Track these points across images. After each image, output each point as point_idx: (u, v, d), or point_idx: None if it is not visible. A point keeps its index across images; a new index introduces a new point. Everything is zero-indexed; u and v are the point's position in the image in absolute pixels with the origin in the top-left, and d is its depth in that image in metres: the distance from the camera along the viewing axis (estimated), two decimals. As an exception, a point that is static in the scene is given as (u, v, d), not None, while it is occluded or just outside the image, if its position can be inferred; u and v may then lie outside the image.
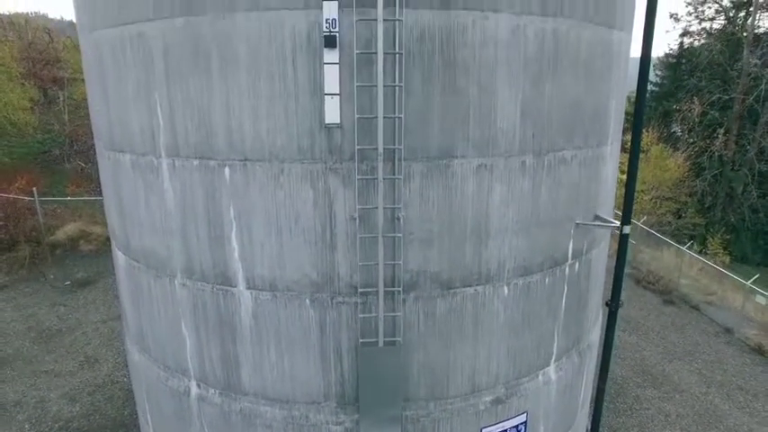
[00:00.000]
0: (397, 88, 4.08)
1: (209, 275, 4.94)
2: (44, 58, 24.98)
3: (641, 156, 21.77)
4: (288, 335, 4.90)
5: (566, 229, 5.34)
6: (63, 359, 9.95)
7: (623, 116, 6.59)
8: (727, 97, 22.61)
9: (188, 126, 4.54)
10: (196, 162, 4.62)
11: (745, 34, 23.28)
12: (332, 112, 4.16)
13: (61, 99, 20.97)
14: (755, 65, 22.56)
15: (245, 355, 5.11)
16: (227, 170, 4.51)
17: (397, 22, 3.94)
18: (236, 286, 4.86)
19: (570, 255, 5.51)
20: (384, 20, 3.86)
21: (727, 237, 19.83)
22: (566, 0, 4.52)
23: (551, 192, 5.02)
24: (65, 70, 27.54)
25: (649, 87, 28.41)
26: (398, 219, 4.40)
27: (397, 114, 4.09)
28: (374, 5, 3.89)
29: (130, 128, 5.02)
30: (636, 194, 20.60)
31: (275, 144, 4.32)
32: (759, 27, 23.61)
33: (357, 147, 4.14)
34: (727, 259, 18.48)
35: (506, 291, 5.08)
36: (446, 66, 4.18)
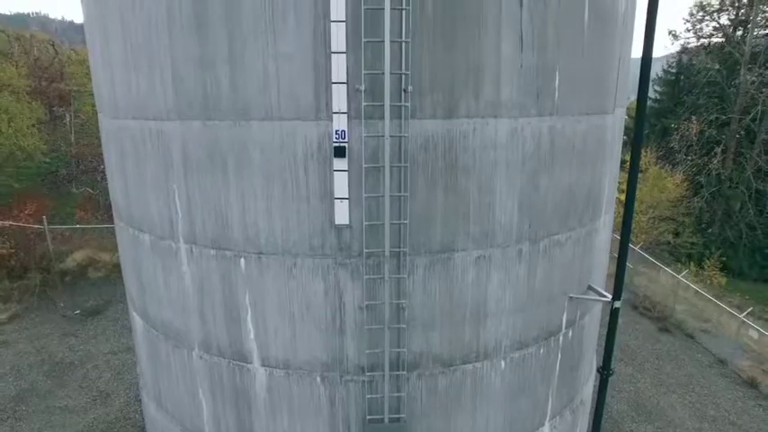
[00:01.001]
0: (400, 197, 4.39)
1: (226, 352, 5.26)
2: (50, 75, 25.25)
3: (639, 175, 22.11)
4: (300, 408, 5.21)
5: (560, 303, 5.64)
6: (76, 394, 10.26)
7: (616, 183, 6.90)
8: (724, 117, 22.92)
9: (205, 219, 4.85)
10: (213, 252, 4.93)
11: (741, 54, 23.53)
12: (341, 215, 4.47)
13: (68, 120, 21.27)
14: (753, 82, 22.85)
15: (259, 424, 5.43)
16: (242, 261, 4.83)
17: (402, 138, 4.24)
18: (251, 363, 5.18)
19: (564, 324, 5.82)
20: (390, 136, 4.16)
21: (723, 259, 20.08)
22: (561, 99, 4.82)
23: (546, 273, 5.33)
24: (70, 85, 27.85)
25: (648, 103, 28.67)
26: (403, 309, 4.72)
27: (402, 220, 4.40)
28: (381, 117, 4.20)
29: (149, 211, 5.34)
30: (634, 215, 20.91)
31: (288, 240, 4.63)
32: (756, 46, 23.87)
33: (365, 249, 4.45)
34: (724, 281, 18.78)
35: (503, 365, 5.40)
36: (448, 169, 4.49)
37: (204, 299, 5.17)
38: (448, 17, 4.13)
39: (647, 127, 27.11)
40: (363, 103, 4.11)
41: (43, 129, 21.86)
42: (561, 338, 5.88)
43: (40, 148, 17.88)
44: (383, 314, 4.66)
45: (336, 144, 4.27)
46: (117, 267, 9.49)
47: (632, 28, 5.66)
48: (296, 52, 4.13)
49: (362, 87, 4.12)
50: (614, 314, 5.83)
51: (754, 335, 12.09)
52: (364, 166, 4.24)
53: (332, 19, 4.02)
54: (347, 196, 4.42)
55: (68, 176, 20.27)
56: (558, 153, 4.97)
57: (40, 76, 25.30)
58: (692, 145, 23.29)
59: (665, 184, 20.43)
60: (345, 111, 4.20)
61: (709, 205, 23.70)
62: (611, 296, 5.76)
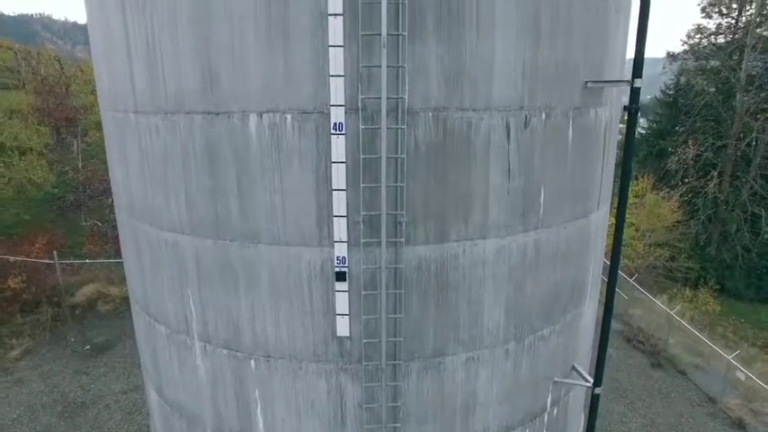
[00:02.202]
0: (396, 317, 4.82)
1: (236, 437, 5.70)
2: (57, 98, 25.75)
3: (636, 201, 22.53)
4: (303, 491, 5.65)
5: (544, 387, 6.07)
6: (88, 436, 10.76)
7: (601, 267, 7.31)
8: (720, 143, 23.32)
9: (218, 323, 5.29)
10: (225, 351, 5.38)
11: (737, 80, 23.90)
12: (342, 328, 4.91)
13: (75, 146, 21.78)
14: (747, 110, 23.24)
15: (265, 503, 5.87)
16: (252, 362, 5.27)
17: (397, 268, 4.68)
18: (259, 449, 5.62)
19: (549, 404, 6.25)
20: (386, 267, 4.59)
21: (720, 281, 20.46)
22: (546, 214, 5.24)
23: (531, 364, 5.75)
24: (76, 106, 28.37)
25: (646, 125, 29.04)
26: (399, 408, 5.15)
27: (397, 338, 4.84)
28: (378, 245, 4.63)
29: (165, 307, 5.78)
30: (630, 241, 21.33)
31: (294, 347, 5.07)
32: (754, 68, 24.23)
33: (364, 362, 4.89)
34: (718, 308, 19.17)
35: (492, 448, 5.83)
36: (440, 287, 4.93)
37: (217, 390, 5.62)
38: (440, 157, 4.56)
39: (645, 149, 27.52)
40: (362, 240, 4.54)
41: (50, 154, 22.36)
42: (546, 417, 6.30)
43: (49, 179, 18.38)
44: (380, 414, 5.09)
45: (338, 269, 4.71)
46: (125, 301, 9.93)
47: (615, 137, 6.07)
48: (300, 189, 4.56)
49: (361, 220, 4.55)
50: (595, 400, 6.24)
51: (741, 376, 12.49)
52: (363, 292, 4.68)
53: (332, 160, 4.45)
54: (347, 313, 4.85)
55: (76, 202, 20.76)
56: (542, 259, 5.39)
57: (47, 97, 25.78)
58: (688, 168, 23.69)
59: (661, 211, 20.83)
60: (345, 240, 4.64)
61: (705, 227, 24.09)
62: (592, 381, 6.17)
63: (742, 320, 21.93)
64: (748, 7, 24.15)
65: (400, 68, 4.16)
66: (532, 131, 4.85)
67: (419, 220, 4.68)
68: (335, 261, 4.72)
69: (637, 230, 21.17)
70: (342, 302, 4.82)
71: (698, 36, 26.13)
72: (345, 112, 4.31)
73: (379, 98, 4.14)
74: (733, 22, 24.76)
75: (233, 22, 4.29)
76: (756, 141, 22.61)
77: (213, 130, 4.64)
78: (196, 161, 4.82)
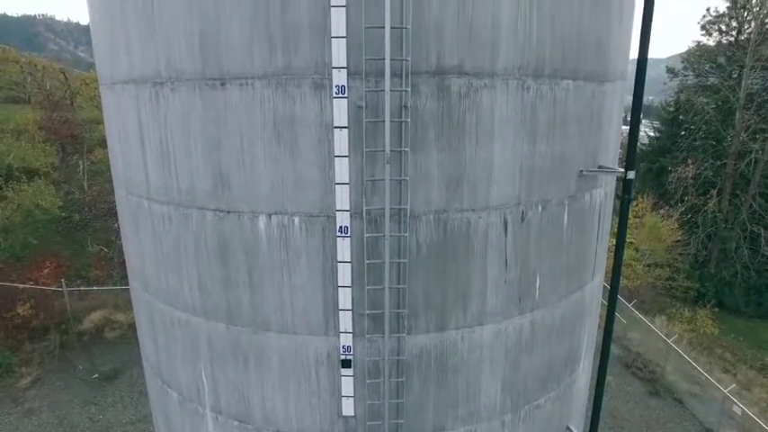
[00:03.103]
0: (398, 402, 5.07)
1: (244, 504, 5.95)
2: (63, 114, 26.05)
3: (636, 221, 22.75)
4: None
5: (542, 451, 6.31)
6: (97, 470, 11.04)
7: (596, 330, 7.54)
8: (719, 163, 23.54)
9: (229, 397, 5.55)
10: (236, 423, 5.63)
11: (737, 99, 24.09)
12: (348, 408, 5.16)
13: (81, 167, 22.10)
14: (747, 128, 23.44)
15: None
16: (261, 437, 5.52)
17: (399, 360, 4.92)
18: None
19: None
20: (389, 357, 4.84)
21: (716, 303, 20.67)
22: (542, 296, 5.48)
23: (527, 430, 6.00)
24: (82, 120, 28.70)
25: (645, 141, 29.22)
26: (401, 483, 5.40)
27: (399, 419, 5.09)
28: (382, 336, 4.88)
29: (178, 375, 6.03)
30: (630, 261, 21.53)
31: (302, 426, 5.32)
32: (753, 85, 24.42)
33: (368, 444, 5.15)
34: (716, 331, 19.39)
35: None
36: (439, 371, 5.17)
37: (227, 459, 5.87)
38: (440, 255, 4.80)
39: (645, 166, 27.71)
40: (367, 334, 4.79)
41: (55, 172, 22.66)
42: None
43: (56, 203, 18.70)
44: (384, 489, 5.34)
45: (343, 357, 4.96)
46: (131, 327, 10.16)
47: (610, 211, 6.30)
48: (307, 284, 4.81)
49: (365, 314, 4.79)
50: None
51: (738, 410, 12.71)
52: (367, 381, 4.93)
53: (338, 260, 4.70)
54: (352, 395, 5.10)
55: (82, 222, 21.06)
56: (538, 337, 5.64)
57: (52, 114, 26.07)
58: (687, 186, 23.93)
59: (660, 233, 21.06)
60: (350, 331, 4.88)
61: (705, 245, 24.31)
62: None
63: (741, 339, 22.10)
64: (747, 26, 24.31)
65: (403, 181, 4.40)
66: (528, 224, 5.09)
67: (420, 312, 4.93)
68: (341, 350, 4.97)
69: (636, 251, 21.40)
70: (347, 386, 5.07)
71: (698, 53, 26.34)
72: (351, 217, 4.56)
73: (383, 208, 4.39)
74: (733, 40, 24.93)
75: (242, 132, 4.53)
76: (755, 161, 22.82)
77: (224, 226, 4.89)
78: (208, 252, 5.07)
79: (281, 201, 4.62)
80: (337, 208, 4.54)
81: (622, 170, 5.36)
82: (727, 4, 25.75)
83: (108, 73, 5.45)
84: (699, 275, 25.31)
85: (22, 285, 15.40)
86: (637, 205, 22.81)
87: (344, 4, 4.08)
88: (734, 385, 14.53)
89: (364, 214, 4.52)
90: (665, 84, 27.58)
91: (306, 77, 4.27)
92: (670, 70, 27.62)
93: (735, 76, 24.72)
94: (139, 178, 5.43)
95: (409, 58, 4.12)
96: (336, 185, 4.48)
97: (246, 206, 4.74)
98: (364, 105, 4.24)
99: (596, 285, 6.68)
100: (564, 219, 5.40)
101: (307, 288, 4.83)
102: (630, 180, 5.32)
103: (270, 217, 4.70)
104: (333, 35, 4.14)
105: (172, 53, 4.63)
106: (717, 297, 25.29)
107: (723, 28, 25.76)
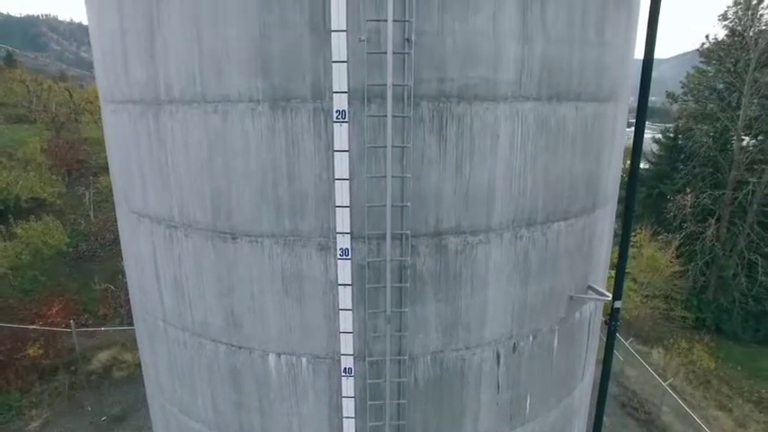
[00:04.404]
0: None
1: None
2: (69, 139, 26.43)
3: (635, 251, 23.03)
4: None
5: None
6: None
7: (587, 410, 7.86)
8: (717, 194, 23.84)
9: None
10: None
11: (735, 129, 24.37)
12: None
13: (87, 197, 22.49)
14: (745, 157, 23.74)
15: None
16: None
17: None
18: None
19: None
20: (390, 484, 5.17)
21: (715, 328, 20.92)
22: (532, 412, 5.80)
23: None
24: (87, 142, 29.10)
25: (645, 166, 29.46)
26: None
27: None
28: (382, 457, 5.21)
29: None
30: (628, 292, 21.81)
31: None
32: (750, 117, 24.69)
33: None
34: (712, 365, 19.69)
35: None
36: (437, 489, 5.50)
37: None
38: (437, 389, 5.12)
39: (644, 191, 27.99)
40: (368, 466, 5.12)
41: (59, 200, 23.05)
42: None
43: (64, 240, 19.11)
44: None
45: (346, 480, 5.28)
46: (138, 367, 10.50)
47: (599, 322, 6.60)
48: (314, 414, 5.15)
49: (367, 442, 5.12)
50: None
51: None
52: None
53: (343, 395, 5.03)
54: None
55: (88, 252, 21.44)
56: (530, 446, 5.95)
57: (58, 140, 26.48)
58: (686, 216, 24.24)
59: (658, 264, 21.37)
60: (354, 456, 5.21)
61: (703, 272, 24.60)
62: None
63: (739, 368, 22.36)
64: (745, 54, 24.55)
65: (402, 335, 4.73)
66: (520, 353, 5.41)
67: (419, 437, 5.26)
68: (345, 473, 5.30)
69: (635, 281, 21.70)
70: (350, 506, 5.40)
71: (697, 80, 26.61)
72: (354, 360, 4.89)
73: (384, 353, 4.72)
74: (731, 67, 25.17)
75: (253, 281, 4.86)
76: (753, 192, 23.11)
77: (236, 359, 5.22)
78: (221, 377, 5.40)
79: (289, 343, 4.95)
80: (342, 352, 4.87)
81: (609, 296, 5.67)
82: (726, 32, 26.02)
83: (125, 202, 5.78)
84: (697, 302, 25.60)
85: (32, 326, 15.77)
86: (635, 235, 23.13)
87: (347, 176, 4.40)
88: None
89: (366, 358, 4.85)
90: (663, 104, 27.78)
91: (312, 239, 4.60)
92: (670, 95, 27.90)
93: (734, 104, 24.97)
94: (155, 302, 5.76)
95: (409, 232, 4.45)
96: (341, 334, 4.81)
97: (257, 345, 5.07)
98: (366, 266, 4.57)
99: (585, 384, 7.00)
100: (554, 343, 5.71)
101: (314, 417, 5.16)
102: (617, 308, 5.63)
103: (279, 356, 5.03)
104: (337, 204, 4.46)
105: (185, 204, 4.96)
106: (715, 323, 25.60)
107: (721, 54, 25.99)
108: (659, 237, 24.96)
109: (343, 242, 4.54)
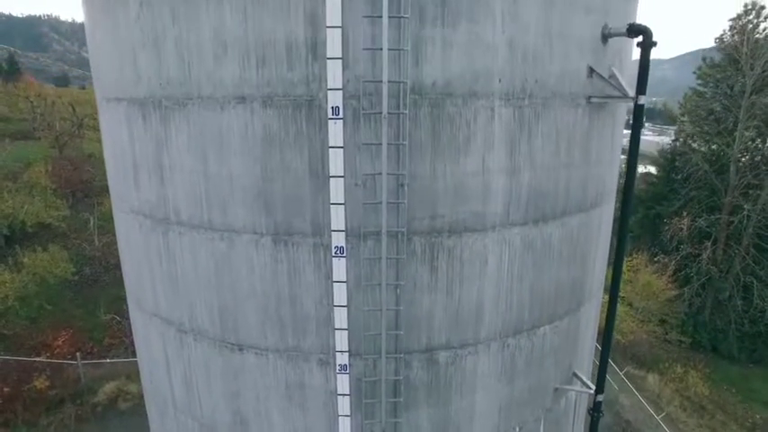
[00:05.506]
0: None
1: None
2: (72, 160, 26.78)
3: (631, 276, 23.31)
4: None
5: None
6: None
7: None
8: (713, 218, 24.12)
9: None
10: None
11: (731, 154, 24.66)
12: None
13: (92, 222, 22.84)
14: (741, 181, 24.03)
15: None
16: None
17: None
18: None
19: None
20: None
21: (707, 368, 21.21)
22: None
23: None
24: (91, 161, 29.43)
25: (641, 187, 29.74)
26: None
27: None
28: None
29: None
30: (623, 317, 22.11)
31: None
32: (746, 142, 24.98)
33: None
34: (707, 391, 19.98)
35: None
36: None
37: None
38: (429, 483, 5.45)
39: (642, 211, 28.28)
40: None
41: (64, 224, 23.39)
42: None
43: (69, 269, 19.48)
44: None
45: None
46: (143, 399, 10.85)
47: (585, 406, 6.93)
48: None
49: None
50: None
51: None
52: None
53: (342, 490, 5.36)
54: None
55: (93, 276, 21.77)
56: None
57: (62, 161, 26.80)
58: (683, 239, 24.53)
59: (653, 289, 21.66)
60: None
61: (699, 293, 24.89)
62: None
63: (734, 391, 22.63)
64: (742, 77, 24.80)
65: (397, 442, 5.07)
66: (511, 443, 5.75)
67: None
68: None
69: (630, 305, 22.00)
70: None
71: (694, 102, 26.86)
72: (352, 460, 5.22)
73: (380, 460, 5.05)
74: (729, 91, 25.44)
75: (258, 388, 5.19)
76: (748, 217, 23.41)
77: (242, 455, 5.56)
78: (226, 467, 5.73)
79: (291, 444, 5.29)
80: (342, 456, 5.20)
81: (592, 389, 5.99)
82: (721, 56, 26.25)
83: (137, 302, 6.12)
84: (694, 323, 25.89)
85: (38, 359, 16.11)
86: (631, 260, 23.45)
87: (345, 304, 4.73)
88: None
89: (364, 458, 5.18)
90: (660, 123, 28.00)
91: (313, 355, 4.94)
92: (668, 115, 28.14)
93: (730, 128, 25.24)
94: (165, 393, 6.10)
95: (402, 352, 4.78)
96: (341, 440, 5.14)
97: (262, 446, 5.41)
98: (363, 382, 4.90)
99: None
100: (540, 428, 6.04)
101: None
102: (599, 402, 5.95)
103: (283, 458, 5.36)
104: (336, 327, 4.79)
105: (194, 313, 5.30)
106: (712, 344, 25.87)
107: (717, 75, 26.24)
108: (656, 259, 25.24)
109: (342, 359, 4.87)
